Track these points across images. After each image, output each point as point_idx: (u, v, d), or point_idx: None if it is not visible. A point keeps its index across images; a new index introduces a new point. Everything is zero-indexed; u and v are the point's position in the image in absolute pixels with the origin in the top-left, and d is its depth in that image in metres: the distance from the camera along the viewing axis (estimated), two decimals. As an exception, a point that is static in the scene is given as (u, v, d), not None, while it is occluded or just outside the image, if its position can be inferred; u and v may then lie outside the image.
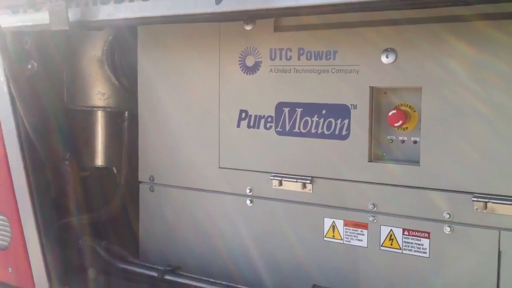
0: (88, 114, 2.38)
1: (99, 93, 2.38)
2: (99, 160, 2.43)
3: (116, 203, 2.40)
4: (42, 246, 2.09)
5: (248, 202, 2.00)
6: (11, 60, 2.07)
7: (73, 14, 1.86)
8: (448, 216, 1.63)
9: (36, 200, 2.10)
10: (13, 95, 2.10)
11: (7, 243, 2.21)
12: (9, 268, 2.22)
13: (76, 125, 2.39)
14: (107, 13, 1.83)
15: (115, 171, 2.46)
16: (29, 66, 2.19)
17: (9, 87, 2.12)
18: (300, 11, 1.57)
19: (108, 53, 2.32)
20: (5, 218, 2.20)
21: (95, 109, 2.38)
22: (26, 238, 2.14)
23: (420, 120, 1.68)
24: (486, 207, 1.57)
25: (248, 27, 1.92)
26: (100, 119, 2.42)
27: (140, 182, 2.28)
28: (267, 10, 1.56)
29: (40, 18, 1.92)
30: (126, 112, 2.40)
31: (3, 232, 2.21)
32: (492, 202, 1.55)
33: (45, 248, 2.09)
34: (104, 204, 2.36)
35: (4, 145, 2.17)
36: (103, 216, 2.36)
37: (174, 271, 2.03)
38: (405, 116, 1.68)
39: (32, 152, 2.13)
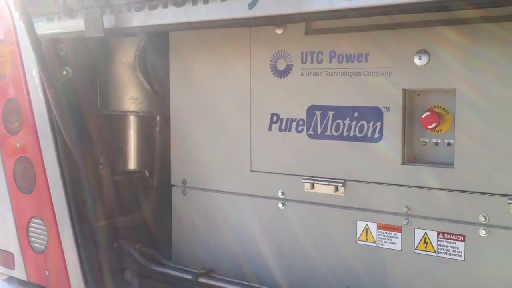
0: (121, 118, 2.42)
1: (131, 98, 2.41)
2: (132, 164, 2.46)
3: (149, 206, 2.43)
4: (78, 249, 2.13)
5: (280, 205, 2.00)
6: (46, 66, 2.12)
7: (107, 21, 1.89)
8: (483, 219, 1.62)
9: (72, 205, 2.14)
10: (49, 100, 2.14)
11: (43, 247, 2.26)
12: (46, 271, 2.26)
13: (109, 129, 2.43)
14: (141, 19, 1.86)
15: (147, 174, 2.49)
16: (64, 72, 2.23)
17: (44, 93, 2.16)
18: (332, 15, 1.57)
19: (140, 59, 2.35)
20: (41, 222, 2.25)
21: (128, 113, 2.42)
22: (63, 241, 2.18)
23: (454, 122, 1.67)
24: (523, 210, 1.55)
25: (279, 31, 1.93)
26: (132, 123, 2.45)
27: (173, 185, 2.30)
28: (301, 14, 1.56)
29: (75, 25, 1.96)
30: (158, 117, 2.43)
31: (40, 236, 2.26)
32: (529, 205, 1.53)
33: (81, 251, 2.12)
34: (137, 208, 2.39)
35: (40, 151, 2.22)
36: (136, 219, 2.39)
37: (207, 274, 2.05)
38: (439, 118, 1.67)
39: (67, 157, 2.17)
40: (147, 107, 2.42)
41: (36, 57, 2.10)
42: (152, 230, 2.38)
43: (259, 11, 1.59)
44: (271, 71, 1.98)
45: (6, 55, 2.32)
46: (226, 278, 2.01)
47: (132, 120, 2.45)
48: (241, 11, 1.62)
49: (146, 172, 2.49)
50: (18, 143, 2.30)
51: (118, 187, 2.41)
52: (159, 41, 2.32)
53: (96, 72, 2.38)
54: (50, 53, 2.18)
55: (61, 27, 2.04)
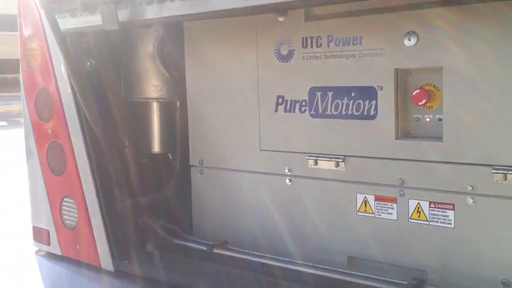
0: (144, 105, 2.60)
1: (152, 86, 2.58)
2: (156, 147, 2.64)
3: (172, 186, 2.61)
4: (105, 226, 2.32)
5: (287, 181, 2.15)
6: (71, 58, 2.31)
7: (122, 15, 2.06)
8: (470, 188, 1.73)
9: (99, 185, 2.33)
10: (75, 90, 2.33)
11: (74, 223, 2.46)
12: (77, 245, 2.47)
13: (134, 115, 2.61)
14: (153, 12, 2.02)
15: (170, 156, 2.66)
16: (88, 63, 2.42)
17: (71, 84, 2.35)
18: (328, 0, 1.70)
19: (159, 49, 2.52)
20: (72, 201, 2.45)
21: (150, 100, 2.59)
22: (91, 219, 2.38)
23: (443, 98, 1.78)
24: (506, 179, 1.65)
25: (281, 18, 2.06)
26: (155, 109, 2.62)
27: (191, 166, 2.47)
28: (295, 1, 1.69)
29: (95, 20, 2.13)
30: (178, 102, 2.60)
31: (72, 214, 2.46)
32: None
33: (108, 227, 2.32)
34: (161, 187, 2.57)
35: (69, 136, 2.41)
36: (160, 198, 2.57)
37: (222, 245, 2.22)
38: (428, 95, 1.78)
39: (93, 141, 2.36)
40: (167, 94, 2.59)
41: (61, 50, 2.29)
42: (174, 208, 2.55)
43: (254, 1, 1.73)
44: (276, 56, 2.12)
45: (36, 49, 2.52)
46: (238, 249, 2.17)
47: (154, 106, 2.62)
48: (239, 2, 1.75)
49: (169, 154, 2.67)
50: (49, 129, 2.50)
51: (143, 168, 2.59)
52: (175, 31, 2.48)
53: (119, 63, 2.56)
54: (74, 46, 2.37)
55: (82, 22, 2.22)
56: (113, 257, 2.31)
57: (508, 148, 1.65)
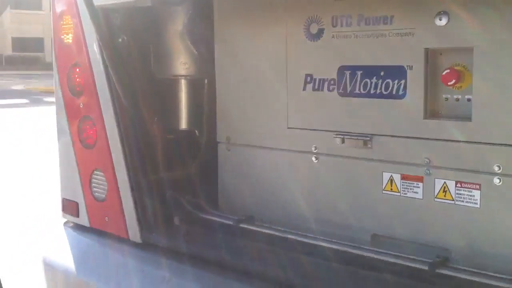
0: (173, 82, 2.64)
1: (181, 63, 2.62)
2: (183, 124, 2.69)
3: (198, 162, 2.66)
4: (134, 199, 2.38)
5: (313, 159, 2.18)
6: (104, 34, 2.36)
7: (155, -9, 2.10)
8: (497, 168, 1.74)
9: (129, 159, 2.39)
10: (107, 65, 2.38)
11: (104, 196, 2.53)
12: (106, 217, 2.53)
13: (163, 92, 2.66)
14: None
15: (197, 133, 2.71)
16: (120, 40, 2.46)
17: (103, 59, 2.40)
18: None
19: (189, 27, 2.55)
20: (102, 174, 2.52)
21: (179, 77, 2.63)
22: (121, 191, 2.43)
23: (473, 78, 1.78)
24: (534, 160, 1.66)
25: (312, -3, 2.08)
26: (183, 86, 2.66)
27: (218, 142, 2.51)
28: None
29: (128, -4, 2.18)
30: (206, 80, 2.64)
31: (101, 186, 2.53)
32: (541, 155, 1.64)
33: (136, 200, 2.37)
34: (188, 163, 2.62)
35: (101, 111, 2.47)
36: (186, 173, 2.62)
37: (248, 220, 2.26)
38: (458, 75, 1.79)
39: (125, 117, 2.41)
40: (196, 71, 2.63)
41: (95, 26, 2.34)
42: (200, 184, 2.60)
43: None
44: (305, 34, 2.14)
45: (69, 25, 2.57)
46: (264, 224, 2.21)
47: (182, 84, 2.67)
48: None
49: (196, 131, 2.71)
50: (81, 104, 2.56)
51: (169, 144, 2.64)
52: (205, 9, 2.51)
53: (148, 40, 2.61)
54: (107, 22, 2.41)
55: (115, -1, 2.27)
56: (141, 229, 2.37)
57: (538, 129, 1.66)
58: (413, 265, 1.81)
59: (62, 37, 2.62)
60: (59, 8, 2.64)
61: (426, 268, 1.76)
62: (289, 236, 2.13)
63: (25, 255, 4.69)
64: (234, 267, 2.07)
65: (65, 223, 2.78)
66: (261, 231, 2.21)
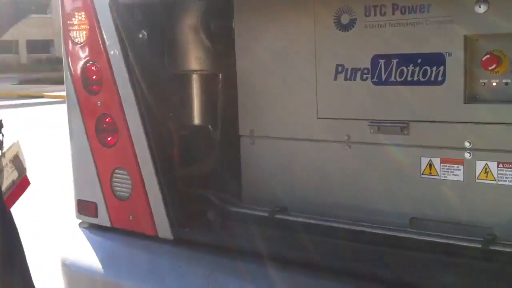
0: (187, 77, 2.63)
1: (196, 58, 2.61)
2: (197, 119, 2.68)
3: (215, 156, 2.65)
4: (163, 195, 2.35)
5: (346, 147, 2.22)
6: (126, 30, 2.33)
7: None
8: (539, 147, 1.83)
9: (156, 155, 2.36)
10: (129, 61, 2.35)
11: (128, 194, 2.49)
12: (130, 216, 2.50)
13: (176, 87, 2.64)
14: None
15: (210, 128, 2.70)
16: (140, 36, 2.43)
17: (124, 55, 2.37)
18: None
19: (204, 22, 2.55)
20: (125, 172, 2.48)
21: (193, 72, 2.62)
22: (147, 188, 2.40)
23: (510, 63, 1.86)
24: None
25: (343, -13, 2.11)
26: (197, 82, 2.66)
27: (241, 136, 2.52)
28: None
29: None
30: (220, 75, 2.64)
31: (124, 185, 2.49)
32: None
33: (166, 196, 2.35)
34: (209, 158, 2.61)
35: (122, 108, 2.43)
36: (207, 169, 2.61)
37: (283, 211, 2.28)
38: (498, 60, 1.86)
39: (148, 113, 2.38)
40: (210, 66, 2.62)
41: (115, 22, 2.31)
42: (223, 178, 2.60)
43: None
44: (335, 25, 2.17)
45: (82, 22, 2.52)
46: (301, 214, 2.24)
47: (196, 79, 2.66)
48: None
49: (210, 126, 2.71)
50: (99, 102, 2.51)
51: (189, 140, 2.63)
52: (221, 4, 2.51)
53: (165, 35, 2.58)
54: (127, 18, 2.38)
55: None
56: (172, 225, 2.35)
57: None
58: (465, 244, 1.87)
59: (74, 34, 2.56)
60: (69, 6, 2.57)
61: (479, 246, 1.83)
62: (328, 223, 2.16)
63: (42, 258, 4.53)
64: (277, 257, 2.09)
65: (80, 224, 2.73)
66: (298, 221, 2.23)
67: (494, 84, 1.92)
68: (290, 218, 2.24)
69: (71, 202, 2.74)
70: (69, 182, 2.78)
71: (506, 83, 1.90)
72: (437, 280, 1.81)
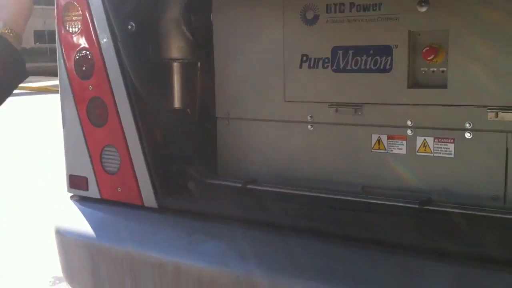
0: (169, 65, 2.93)
1: (177, 48, 2.92)
2: (176, 103, 2.99)
3: (194, 136, 2.97)
4: (149, 168, 2.66)
5: (309, 127, 2.56)
6: (116, 21, 2.63)
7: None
8: (468, 125, 2.19)
9: (143, 134, 2.66)
10: (119, 49, 2.65)
11: (116, 169, 2.78)
12: (118, 188, 2.80)
13: (160, 74, 2.94)
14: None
15: (189, 112, 3.02)
16: (129, 27, 2.73)
17: (115, 45, 2.67)
18: None
19: (185, 14, 2.86)
20: (114, 149, 2.77)
21: (174, 61, 2.93)
22: (134, 163, 2.71)
23: (447, 54, 2.22)
24: (497, 116, 2.12)
25: (309, -12, 2.45)
26: (178, 69, 2.96)
27: (217, 117, 2.84)
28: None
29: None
30: (199, 63, 2.96)
31: (113, 160, 2.78)
32: (502, 112, 2.11)
33: (151, 169, 2.66)
34: (185, 137, 2.92)
35: (112, 91, 2.72)
36: (186, 146, 2.92)
37: (253, 182, 2.61)
38: (436, 52, 2.22)
39: (135, 96, 2.68)
40: (190, 55, 2.94)
41: (106, 14, 2.61)
42: (201, 156, 2.91)
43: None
44: (301, 20, 2.51)
45: (76, 13, 2.80)
46: (271, 184, 2.57)
47: (178, 67, 2.96)
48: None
49: (189, 110, 3.02)
50: (90, 86, 2.80)
51: (168, 121, 2.93)
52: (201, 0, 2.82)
53: (150, 26, 2.88)
54: (117, 10, 2.68)
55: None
56: (156, 195, 2.66)
57: (500, 91, 2.12)
58: (406, 205, 2.23)
59: (68, 25, 2.84)
60: (64, -1, 2.85)
61: (416, 206, 2.19)
62: (292, 191, 2.50)
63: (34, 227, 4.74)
64: (251, 220, 2.42)
65: (72, 197, 3.01)
66: (266, 190, 2.57)
67: (432, 71, 2.29)
68: (260, 187, 2.58)
69: (62, 179, 3.03)
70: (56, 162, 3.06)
71: (443, 71, 2.26)
72: (383, 234, 2.17)
